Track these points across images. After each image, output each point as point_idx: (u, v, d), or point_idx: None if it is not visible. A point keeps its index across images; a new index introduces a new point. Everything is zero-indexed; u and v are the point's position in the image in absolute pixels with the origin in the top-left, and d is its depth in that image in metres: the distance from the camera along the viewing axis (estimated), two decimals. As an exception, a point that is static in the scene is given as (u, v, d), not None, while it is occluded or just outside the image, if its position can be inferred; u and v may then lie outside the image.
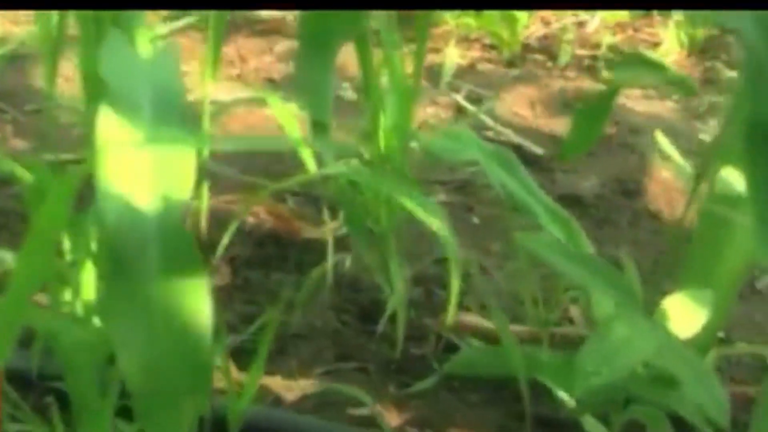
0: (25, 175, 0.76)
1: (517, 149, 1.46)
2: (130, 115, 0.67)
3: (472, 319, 1.13)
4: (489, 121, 1.56)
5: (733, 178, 0.81)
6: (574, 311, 1.15)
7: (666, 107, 1.75)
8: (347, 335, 1.08)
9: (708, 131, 1.61)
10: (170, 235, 0.64)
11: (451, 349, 1.08)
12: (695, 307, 0.85)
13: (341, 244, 1.26)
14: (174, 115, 0.68)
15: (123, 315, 0.63)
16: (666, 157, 1.07)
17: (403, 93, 1.12)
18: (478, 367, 1.02)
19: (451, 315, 1.07)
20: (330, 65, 0.98)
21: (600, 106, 0.79)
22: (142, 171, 0.65)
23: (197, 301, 0.65)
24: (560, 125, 1.60)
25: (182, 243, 0.64)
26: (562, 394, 0.87)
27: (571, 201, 1.33)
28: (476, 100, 1.67)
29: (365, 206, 1.09)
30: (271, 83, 1.62)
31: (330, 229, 1.25)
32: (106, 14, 0.89)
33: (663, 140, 0.96)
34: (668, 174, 1.48)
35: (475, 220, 1.34)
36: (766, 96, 0.62)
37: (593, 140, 0.85)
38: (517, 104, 1.67)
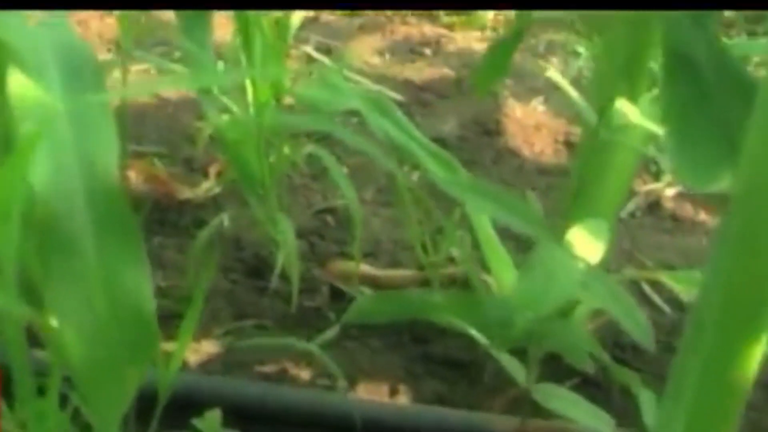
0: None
1: (376, 97, 1.46)
2: (41, 77, 0.64)
3: (360, 267, 1.13)
4: (343, 71, 1.56)
5: (626, 109, 0.83)
6: (456, 252, 1.17)
7: (506, 48, 1.78)
8: (240, 294, 1.07)
9: (553, 69, 1.65)
10: (99, 199, 0.62)
11: (343, 298, 1.09)
12: (595, 237, 0.87)
13: (216, 204, 1.24)
14: (86, 73, 0.66)
15: (60, 285, 0.61)
16: (558, 89, 1.09)
17: (272, 48, 1.11)
18: (375, 314, 1.03)
19: (356, 263, 1.08)
20: (209, 26, 0.97)
21: (515, 35, 0.80)
22: (63, 134, 0.62)
23: (135, 265, 0.63)
24: (412, 71, 1.62)
25: (113, 206, 0.62)
26: (475, 334, 0.88)
27: (436, 144, 1.34)
28: (326, 51, 1.66)
29: (249, 163, 1.08)
30: (118, 46, 1.57)
31: (204, 189, 1.24)
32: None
33: (555, 74, 0.98)
34: (522, 113, 1.52)
35: (345, 170, 1.33)
36: (680, 29, 0.65)
37: (507, 69, 0.86)
38: (366, 53, 1.68)
